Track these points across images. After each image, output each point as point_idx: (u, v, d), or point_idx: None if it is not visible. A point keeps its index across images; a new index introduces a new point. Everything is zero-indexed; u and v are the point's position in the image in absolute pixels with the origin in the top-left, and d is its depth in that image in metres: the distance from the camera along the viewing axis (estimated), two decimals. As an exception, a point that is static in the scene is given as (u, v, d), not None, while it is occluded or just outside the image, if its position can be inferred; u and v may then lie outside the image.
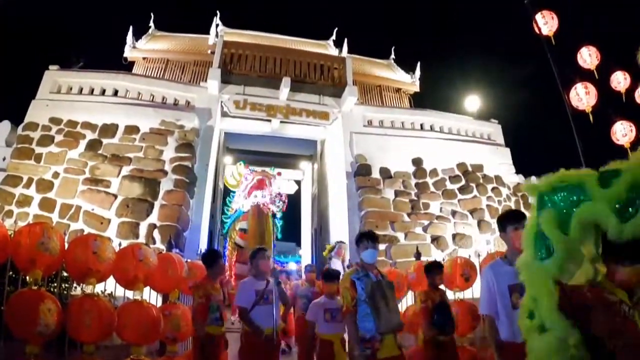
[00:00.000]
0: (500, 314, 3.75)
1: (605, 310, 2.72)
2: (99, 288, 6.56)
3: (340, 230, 14.94)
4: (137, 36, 22.18)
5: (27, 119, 14.10)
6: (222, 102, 15.64)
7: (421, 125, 17.40)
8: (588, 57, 11.72)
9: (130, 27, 21.59)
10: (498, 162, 17.05)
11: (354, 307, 4.63)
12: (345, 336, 5.76)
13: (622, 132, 11.57)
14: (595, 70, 11.74)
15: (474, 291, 7.11)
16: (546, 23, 11.45)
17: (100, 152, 13.58)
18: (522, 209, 15.93)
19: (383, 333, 4.48)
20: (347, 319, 4.79)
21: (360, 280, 4.72)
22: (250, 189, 15.05)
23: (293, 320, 9.26)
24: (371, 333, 4.49)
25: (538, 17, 11.49)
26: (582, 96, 11.13)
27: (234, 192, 16.01)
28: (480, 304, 3.95)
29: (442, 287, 6.52)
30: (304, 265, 12.30)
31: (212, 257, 5.97)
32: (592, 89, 11.21)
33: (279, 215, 15.55)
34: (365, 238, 4.93)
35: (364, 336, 4.50)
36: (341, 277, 5.83)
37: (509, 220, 3.92)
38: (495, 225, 14.72)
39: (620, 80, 12.01)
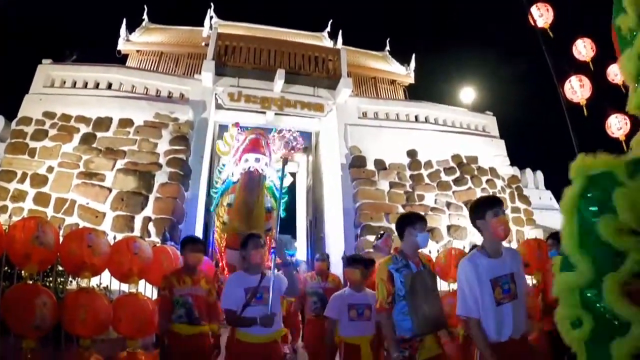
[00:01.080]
0: (483, 313, 3.38)
1: None
2: (94, 282, 6.56)
3: (335, 222, 14.97)
4: (131, 29, 22.10)
5: (20, 114, 14.05)
6: (216, 94, 15.60)
7: (416, 117, 17.41)
8: (583, 49, 11.71)
9: (124, 20, 21.53)
10: (493, 154, 17.08)
11: (390, 303, 4.04)
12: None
13: (617, 125, 11.59)
14: (590, 63, 11.73)
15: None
16: (541, 15, 11.43)
17: (94, 145, 13.55)
18: (517, 201, 16.01)
19: (423, 333, 3.94)
20: (381, 317, 4.19)
21: (399, 272, 4.10)
22: (242, 152, 11.87)
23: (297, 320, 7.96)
24: (410, 333, 3.95)
25: (533, 9, 11.48)
26: (577, 89, 11.13)
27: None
28: (460, 305, 3.50)
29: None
30: (293, 257, 12.01)
31: (182, 243, 5.32)
32: (586, 82, 11.21)
33: (280, 184, 11.70)
34: (418, 220, 4.28)
35: (403, 336, 3.96)
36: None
37: (489, 205, 3.59)
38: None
39: (617, 72, 12.01)
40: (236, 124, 12.40)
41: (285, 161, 5.57)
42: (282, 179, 5.62)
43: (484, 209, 3.58)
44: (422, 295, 3.98)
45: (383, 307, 4.06)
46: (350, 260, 5.40)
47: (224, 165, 11.91)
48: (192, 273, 5.10)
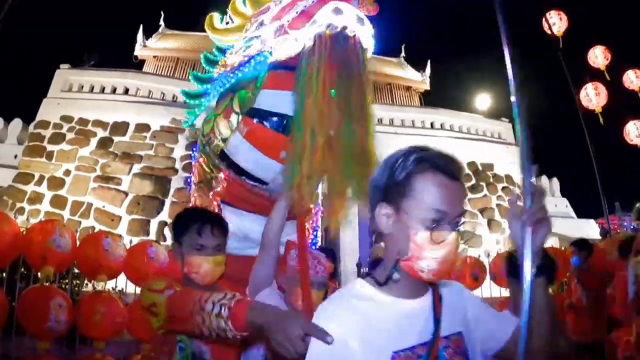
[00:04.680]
0: None
1: None
2: (109, 285, 6.61)
3: (349, 228, 14.93)
4: (148, 35, 22.28)
5: (38, 117, 14.21)
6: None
7: (431, 123, 17.37)
8: (597, 57, 11.66)
9: (141, 26, 21.74)
10: (509, 161, 16.98)
11: None
12: None
13: (635, 132, 11.50)
14: (605, 71, 11.67)
15: (483, 291, 7.12)
16: (554, 24, 11.42)
17: (111, 149, 13.67)
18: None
19: None
20: None
21: None
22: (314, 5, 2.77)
23: None
24: None
25: (548, 16, 11.46)
26: (592, 97, 11.10)
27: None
28: None
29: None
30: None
31: (181, 226, 2.45)
32: (602, 90, 11.16)
33: None
34: None
35: None
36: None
37: None
38: (505, 225, 14.76)
39: (632, 79, 11.92)
40: None
41: None
42: None
43: None
44: None
45: None
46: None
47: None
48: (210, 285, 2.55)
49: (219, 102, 3.59)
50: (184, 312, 1.88)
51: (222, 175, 3.44)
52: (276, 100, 2.98)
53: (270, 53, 2.99)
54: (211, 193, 3.58)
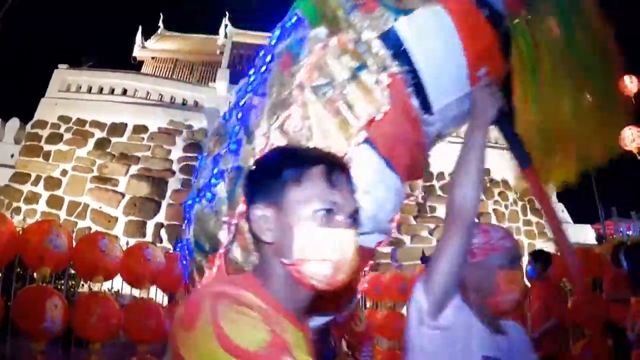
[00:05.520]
0: None
1: None
2: (105, 286, 6.60)
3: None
4: (146, 36, 22.32)
5: (36, 117, 14.20)
6: (230, 102, 15.66)
7: (428, 129, 17.37)
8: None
9: (140, 27, 21.75)
10: (505, 166, 16.98)
11: None
12: None
13: (630, 137, 11.51)
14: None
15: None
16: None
17: (108, 150, 13.66)
18: (529, 214, 15.90)
19: None
20: None
21: None
22: None
23: None
24: None
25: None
26: (588, 101, 11.11)
27: None
28: None
29: None
30: None
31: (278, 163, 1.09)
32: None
33: None
34: None
35: None
36: None
37: None
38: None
39: (627, 84, 11.91)
40: None
41: None
42: None
43: None
44: None
45: None
46: None
47: None
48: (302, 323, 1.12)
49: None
50: None
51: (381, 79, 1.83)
52: None
53: None
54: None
